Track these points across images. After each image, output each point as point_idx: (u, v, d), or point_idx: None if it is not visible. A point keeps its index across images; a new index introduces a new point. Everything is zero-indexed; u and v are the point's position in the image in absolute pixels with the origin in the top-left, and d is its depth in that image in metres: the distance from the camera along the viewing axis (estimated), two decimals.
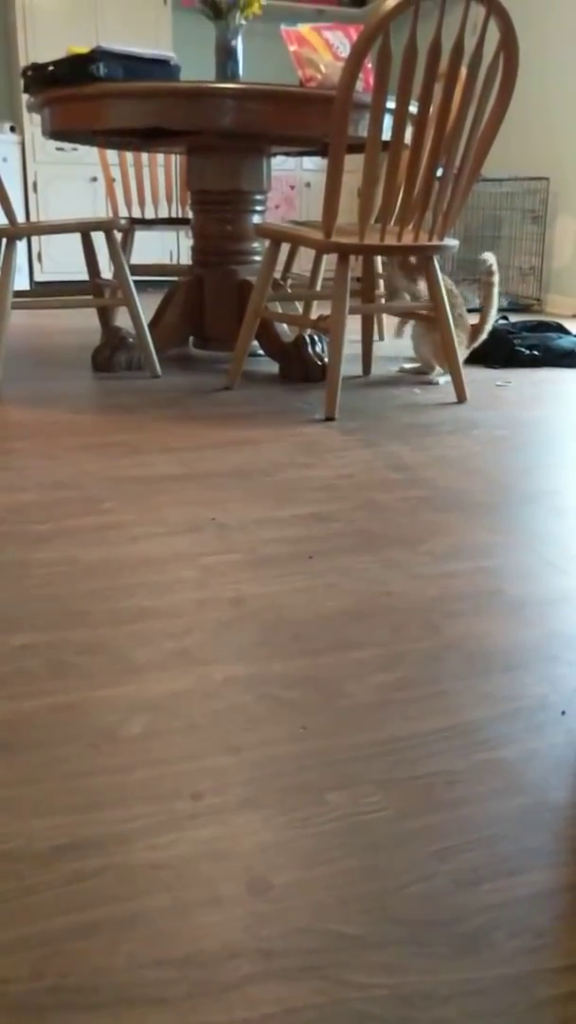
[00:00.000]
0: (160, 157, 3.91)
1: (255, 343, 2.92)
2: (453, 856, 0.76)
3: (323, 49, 2.58)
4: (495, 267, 2.85)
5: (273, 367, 3.00)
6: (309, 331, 2.87)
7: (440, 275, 2.71)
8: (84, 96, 2.48)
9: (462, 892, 0.72)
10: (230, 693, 1.01)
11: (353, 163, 2.57)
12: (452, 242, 2.50)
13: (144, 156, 3.88)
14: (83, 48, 2.52)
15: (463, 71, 2.24)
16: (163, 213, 4.49)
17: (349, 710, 0.98)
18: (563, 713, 0.98)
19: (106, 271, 3.42)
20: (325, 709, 0.98)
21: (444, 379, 2.77)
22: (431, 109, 2.21)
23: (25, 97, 3.08)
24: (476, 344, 2.89)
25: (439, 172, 2.34)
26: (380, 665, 1.08)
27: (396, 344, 3.62)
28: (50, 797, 0.83)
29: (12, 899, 0.70)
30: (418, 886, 0.73)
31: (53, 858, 0.75)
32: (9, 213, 2.56)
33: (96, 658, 1.08)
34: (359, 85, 2.19)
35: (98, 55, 2.46)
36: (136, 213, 4.92)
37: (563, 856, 0.77)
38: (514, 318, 3.89)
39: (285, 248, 3.48)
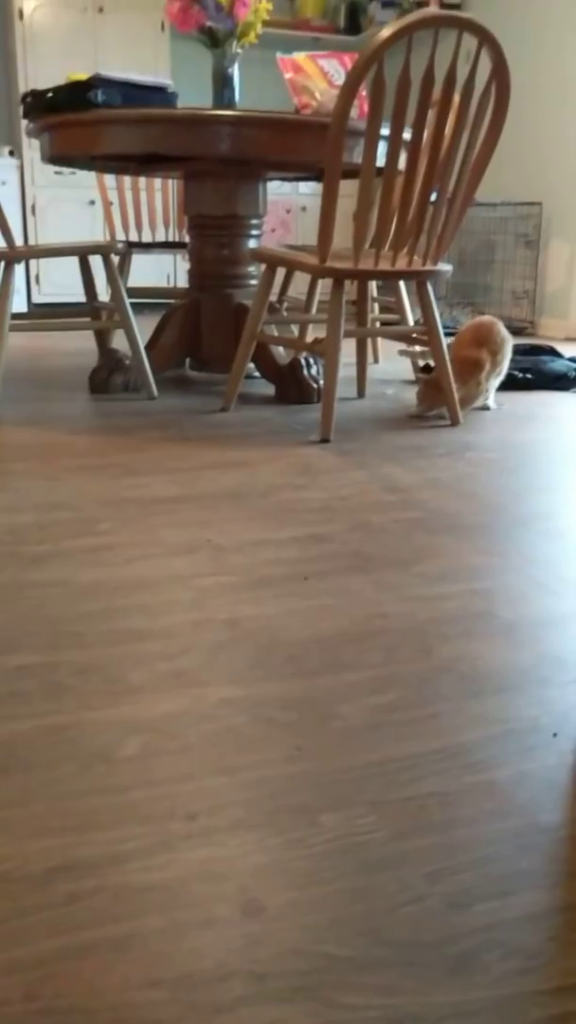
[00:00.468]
0: (157, 182, 3.95)
1: (251, 365, 2.94)
2: (445, 877, 0.77)
3: (318, 77, 2.61)
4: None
5: (269, 389, 3.02)
6: (304, 354, 2.89)
7: (499, 329, 2.72)
8: (83, 122, 2.52)
9: (454, 913, 0.73)
10: (224, 714, 1.02)
11: (349, 188, 2.60)
12: (446, 266, 2.53)
13: (141, 180, 3.92)
14: (82, 75, 2.56)
15: (456, 99, 2.27)
16: (160, 237, 4.52)
17: (342, 732, 0.99)
18: (555, 735, 0.99)
19: (103, 294, 3.45)
20: (319, 731, 0.99)
21: (492, 403, 2.83)
22: (425, 136, 2.24)
23: (24, 122, 3.11)
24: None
25: (433, 197, 2.37)
26: (373, 687, 1.09)
27: (389, 367, 3.64)
28: (45, 818, 0.83)
29: (6, 920, 0.71)
30: (410, 908, 0.73)
31: (47, 879, 0.75)
32: (8, 236, 2.59)
33: (91, 679, 1.09)
34: (353, 112, 2.22)
35: (96, 82, 2.49)
36: (133, 237, 4.96)
37: (554, 877, 0.77)
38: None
39: (281, 272, 3.51)
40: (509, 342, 2.75)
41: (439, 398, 2.59)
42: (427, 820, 0.84)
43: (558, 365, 3.30)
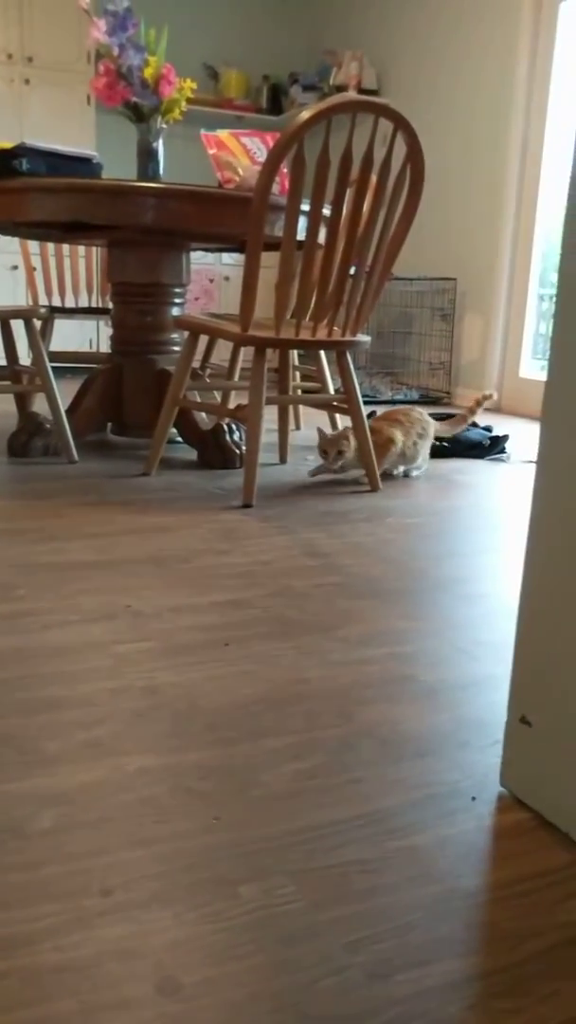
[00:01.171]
0: (81, 248, 3.98)
1: (174, 430, 2.95)
2: (366, 947, 0.76)
3: (240, 154, 2.69)
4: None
5: (191, 454, 3.02)
6: (227, 420, 2.92)
7: (413, 414, 2.81)
8: (7, 189, 2.53)
9: (374, 984, 0.72)
10: (143, 784, 1.00)
11: (270, 259, 2.66)
12: (365, 338, 2.60)
13: (65, 247, 3.95)
14: (7, 144, 2.58)
15: (373, 178, 2.37)
16: (83, 303, 4.54)
17: (263, 800, 0.98)
18: (473, 799, 1.00)
19: (25, 357, 3.43)
20: (238, 799, 0.97)
21: (417, 472, 2.90)
22: (343, 212, 2.32)
23: None
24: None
25: (352, 271, 2.44)
26: (294, 753, 1.08)
27: (311, 434, 3.69)
28: None
29: None
30: (330, 980, 0.72)
31: None
32: None
33: (5, 750, 1.06)
34: (275, 188, 2.29)
35: (22, 151, 2.52)
36: (56, 302, 4.97)
37: (473, 944, 0.77)
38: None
39: (204, 339, 3.55)
40: (419, 425, 2.84)
41: (341, 443, 2.68)
42: (347, 889, 0.83)
43: (473, 434, 3.39)
